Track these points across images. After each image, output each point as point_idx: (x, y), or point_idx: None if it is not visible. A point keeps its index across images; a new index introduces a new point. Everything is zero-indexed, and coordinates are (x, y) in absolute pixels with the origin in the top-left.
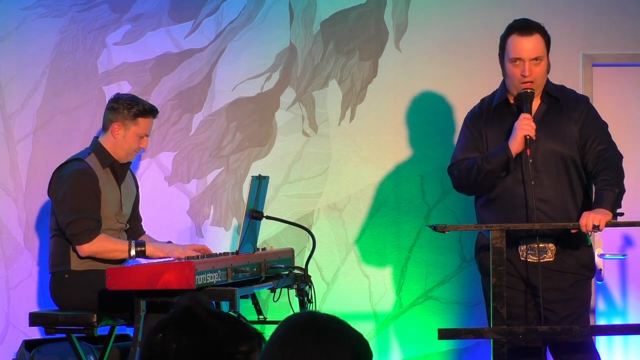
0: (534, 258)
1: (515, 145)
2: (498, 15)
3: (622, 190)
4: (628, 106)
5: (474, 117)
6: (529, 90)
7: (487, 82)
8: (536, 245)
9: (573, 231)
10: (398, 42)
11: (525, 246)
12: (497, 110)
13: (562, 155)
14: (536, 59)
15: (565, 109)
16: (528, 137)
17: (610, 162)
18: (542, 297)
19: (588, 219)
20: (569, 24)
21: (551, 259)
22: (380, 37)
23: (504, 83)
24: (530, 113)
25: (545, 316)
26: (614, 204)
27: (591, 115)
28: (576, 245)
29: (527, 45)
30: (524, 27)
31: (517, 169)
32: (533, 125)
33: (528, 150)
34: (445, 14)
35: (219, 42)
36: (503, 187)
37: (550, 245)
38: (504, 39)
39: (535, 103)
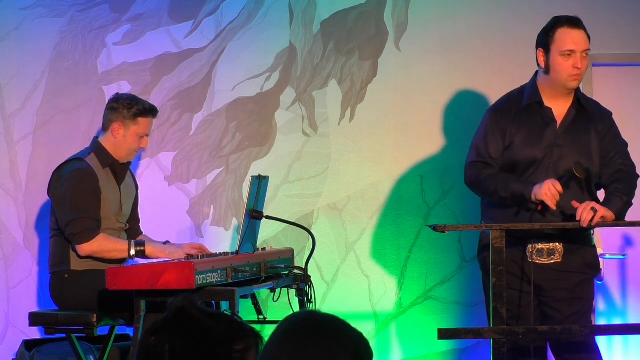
0: (542, 260)
1: (534, 197)
2: (498, 15)
3: (630, 202)
4: (628, 106)
5: (499, 111)
6: (577, 174)
7: (487, 82)
8: (544, 247)
9: (573, 224)
10: (398, 42)
11: (532, 247)
12: (527, 110)
13: (585, 167)
14: (585, 51)
15: (592, 121)
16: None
17: (626, 175)
18: (548, 297)
19: (588, 205)
20: None
21: (559, 261)
22: (380, 37)
23: (534, 81)
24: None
25: (550, 315)
26: (620, 210)
27: (615, 131)
28: (582, 244)
29: (578, 37)
30: (573, 20)
31: (537, 171)
32: (557, 197)
33: (539, 206)
34: (445, 14)
35: (218, 42)
36: None
37: (558, 245)
38: (550, 33)
39: (565, 105)
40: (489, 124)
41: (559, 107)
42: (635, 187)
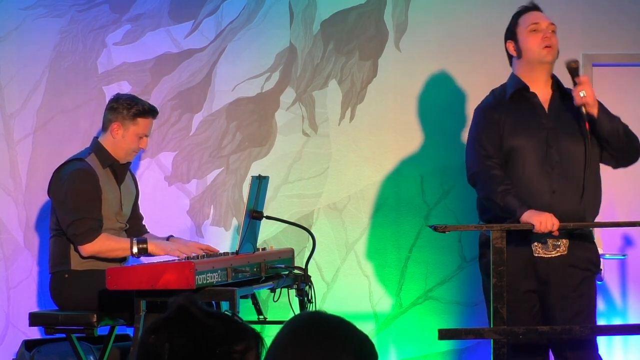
0: (548, 253)
1: (526, 219)
2: (498, 15)
3: (624, 125)
4: (628, 106)
5: (488, 106)
6: (572, 64)
7: (487, 82)
8: (550, 241)
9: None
10: (398, 42)
11: (538, 242)
12: (514, 99)
13: (577, 153)
14: (551, 26)
15: (573, 104)
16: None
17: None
18: (552, 295)
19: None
20: (568, 24)
21: (564, 253)
22: (380, 37)
23: (513, 74)
24: (576, 82)
25: (553, 314)
26: (609, 114)
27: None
28: (585, 239)
29: (539, 15)
30: (530, 5)
31: (536, 157)
32: (556, 226)
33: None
34: (445, 14)
35: (218, 42)
36: (520, 174)
37: (564, 240)
38: (512, 24)
39: (547, 90)
40: (481, 121)
41: (542, 92)
42: (632, 137)
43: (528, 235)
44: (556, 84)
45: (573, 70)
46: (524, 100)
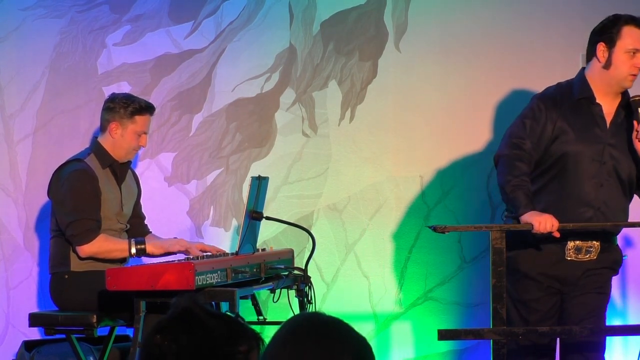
0: (579, 257)
1: (527, 218)
2: (497, 16)
3: None
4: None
5: (551, 101)
6: (637, 97)
7: (486, 83)
8: (582, 245)
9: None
10: (398, 42)
11: (573, 244)
12: (577, 104)
13: (625, 175)
14: None
15: (633, 124)
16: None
17: None
18: (576, 291)
19: None
20: (568, 25)
21: (594, 258)
22: (380, 38)
23: (584, 76)
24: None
25: (571, 312)
26: None
27: None
28: (612, 242)
29: None
30: (638, 19)
31: (588, 169)
32: (555, 227)
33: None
34: (445, 14)
35: (218, 43)
36: (567, 182)
37: (596, 243)
38: (615, 28)
39: (614, 104)
40: (537, 114)
41: (608, 105)
42: None
43: (564, 236)
44: (625, 101)
45: (635, 103)
46: (587, 108)
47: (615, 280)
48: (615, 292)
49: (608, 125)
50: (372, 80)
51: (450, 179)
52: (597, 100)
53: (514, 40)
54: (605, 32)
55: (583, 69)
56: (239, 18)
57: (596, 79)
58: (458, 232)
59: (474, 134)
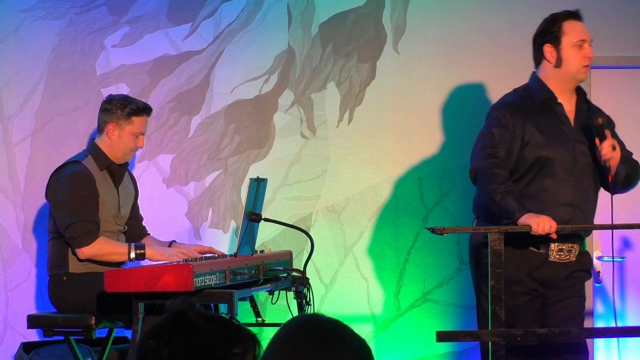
0: (561, 259)
1: (524, 221)
2: (496, 17)
3: (635, 162)
4: (626, 108)
5: (514, 107)
6: (599, 120)
7: (485, 85)
8: (564, 246)
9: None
10: (396, 44)
11: (555, 246)
12: (539, 107)
13: (592, 169)
14: (591, 42)
15: (596, 116)
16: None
17: (631, 161)
18: (558, 295)
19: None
20: None
21: (573, 260)
22: (379, 40)
23: (539, 78)
24: (604, 136)
25: (555, 314)
26: (627, 154)
27: (613, 125)
28: (584, 247)
29: (584, 28)
30: (575, 12)
31: (563, 169)
32: (554, 228)
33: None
34: (444, 16)
35: (217, 45)
36: (545, 185)
37: (575, 246)
38: (555, 27)
39: (572, 101)
40: (502, 120)
41: (567, 104)
42: (637, 165)
43: (548, 238)
44: (582, 96)
45: (600, 127)
46: (550, 109)
47: (615, 281)
48: (615, 292)
49: (572, 124)
50: (371, 81)
51: (449, 181)
52: (558, 100)
53: (512, 41)
54: (548, 33)
55: (534, 72)
56: (238, 20)
57: (551, 79)
58: (456, 233)
59: (473, 136)
